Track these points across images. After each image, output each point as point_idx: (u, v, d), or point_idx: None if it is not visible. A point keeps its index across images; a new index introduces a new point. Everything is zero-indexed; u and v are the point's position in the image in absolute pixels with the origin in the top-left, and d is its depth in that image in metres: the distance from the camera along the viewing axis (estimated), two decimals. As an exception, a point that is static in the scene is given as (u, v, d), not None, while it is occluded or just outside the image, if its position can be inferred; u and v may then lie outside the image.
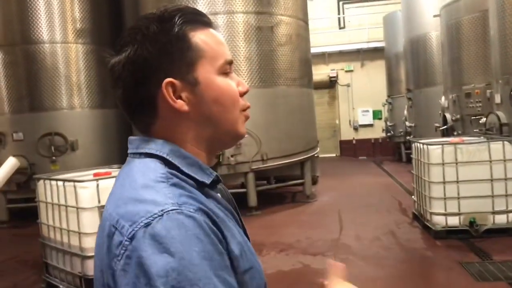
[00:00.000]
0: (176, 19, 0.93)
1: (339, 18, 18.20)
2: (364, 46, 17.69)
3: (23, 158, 8.25)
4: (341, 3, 18.16)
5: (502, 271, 4.63)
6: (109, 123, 9.30)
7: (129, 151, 1.00)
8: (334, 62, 18.22)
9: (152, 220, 0.79)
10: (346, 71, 18.19)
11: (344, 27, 18.19)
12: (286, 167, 8.57)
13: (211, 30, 0.98)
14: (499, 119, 6.86)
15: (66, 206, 4.47)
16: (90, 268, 4.27)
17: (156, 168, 0.90)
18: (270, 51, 8.30)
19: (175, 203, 0.81)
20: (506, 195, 5.84)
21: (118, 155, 8.96)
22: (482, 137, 6.45)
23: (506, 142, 5.91)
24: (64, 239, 4.57)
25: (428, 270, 5.02)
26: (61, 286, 4.69)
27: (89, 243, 4.26)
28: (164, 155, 0.92)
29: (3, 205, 8.69)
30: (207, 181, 0.93)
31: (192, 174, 0.91)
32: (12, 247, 6.97)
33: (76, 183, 4.32)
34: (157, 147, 0.93)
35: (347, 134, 18.27)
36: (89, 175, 4.74)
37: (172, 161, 0.91)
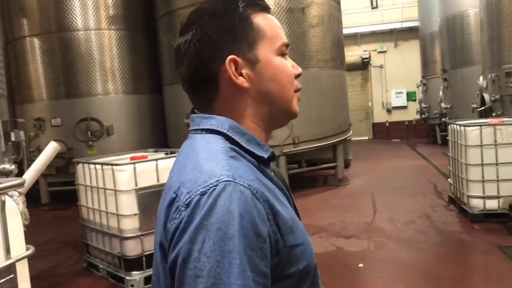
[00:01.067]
0: (240, 3, 1.00)
1: (371, -1, 17.78)
2: (398, 26, 17.23)
3: (62, 143, 8.51)
4: (374, -18, 17.72)
5: (545, 256, 4.50)
6: (143, 108, 9.46)
7: (190, 128, 1.05)
8: (366, 43, 17.86)
9: (208, 189, 0.84)
10: (379, 52, 17.80)
11: (376, 7, 17.74)
12: (318, 151, 8.53)
13: (268, 14, 1.05)
14: (541, 99, 6.58)
15: (105, 189, 4.60)
16: (129, 249, 4.40)
17: (216, 143, 0.95)
18: (302, 33, 8.20)
19: (231, 175, 0.86)
20: (550, 178, 5.64)
21: (152, 140, 9.13)
22: (523, 118, 6.22)
23: (549, 123, 5.68)
24: (103, 220, 4.72)
25: (466, 253, 4.92)
26: (101, 266, 4.86)
27: (127, 225, 4.38)
28: (225, 131, 0.97)
29: (44, 188, 9.04)
30: (265, 155, 0.98)
31: (251, 149, 0.97)
32: (53, 229, 7.26)
33: (114, 167, 4.43)
34: (218, 123, 0.98)
35: (380, 116, 17.96)
36: (126, 159, 4.85)
37: (232, 136, 0.97)
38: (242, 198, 0.84)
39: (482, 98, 9.28)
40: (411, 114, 17.14)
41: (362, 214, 6.72)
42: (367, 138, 18.30)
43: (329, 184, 9.25)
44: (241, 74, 0.98)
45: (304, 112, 8.02)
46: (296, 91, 1.06)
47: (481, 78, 9.65)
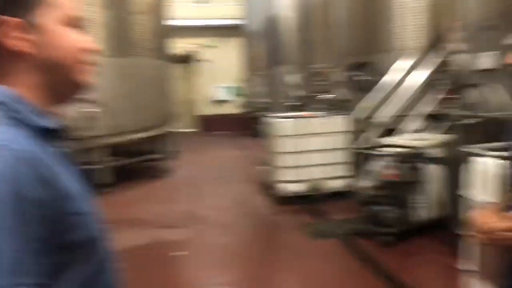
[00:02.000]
0: None
1: (200, -8, 18.07)
2: (225, 22, 17.85)
3: None
4: (201, -24, 18.03)
5: (336, 229, 5.19)
6: None
7: None
8: (194, 37, 18.08)
9: None
10: (206, 47, 18.23)
11: (205, 1, 18.11)
12: (142, 142, 8.32)
13: None
14: (340, 96, 7.55)
15: None
16: None
17: None
18: (124, 18, 7.87)
19: (4, 140, 0.82)
20: (343, 163, 6.51)
21: None
22: (326, 112, 7.05)
23: (345, 116, 6.56)
24: None
25: (273, 233, 5.39)
26: None
27: None
28: (2, 99, 0.90)
29: None
30: (48, 125, 0.93)
31: (32, 119, 0.91)
32: None
33: None
34: None
35: (206, 109, 18.44)
36: None
37: (11, 106, 0.89)
38: (13, 161, 0.80)
39: (295, 95, 10.27)
40: (235, 108, 18.02)
41: (186, 204, 6.81)
42: (194, 130, 18.62)
43: (155, 175, 9.11)
44: (18, 40, 0.90)
45: (127, 101, 7.72)
46: (85, 63, 1.01)
47: (294, 76, 10.66)
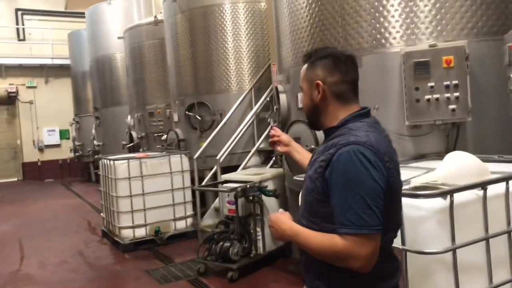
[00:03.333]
0: None
1: (18, 29, 16.58)
2: (49, 61, 16.66)
3: None
4: (19, 13, 16.60)
5: (182, 271, 5.12)
6: None
7: None
8: (13, 76, 16.43)
9: None
10: (28, 87, 16.68)
11: (24, 39, 16.67)
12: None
13: None
14: (177, 135, 7.63)
15: None
16: None
17: None
18: None
19: None
20: (185, 203, 6.53)
21: None
22: (164, 152, 7.02)
23: (183, 155, 6.62)
24: None
25: (117, 283, 5.05)
26: None
27: None
28: None
29: None
30: None
31: None
32: None
33: None
34: None
35: (31, 155, 16.67)
36: None
37: None
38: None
39: (131, 136, 10.01)
40: (65, 152, 16.70)
41: (7, 263, 5.97)
42: (16, 179, 16.64)
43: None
44: None
45: None
46: None
47: (129, 117, 10.41)
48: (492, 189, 2.32)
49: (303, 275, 1.77)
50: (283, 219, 1.67)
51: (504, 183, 2.37)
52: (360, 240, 1.44)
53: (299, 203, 1.79)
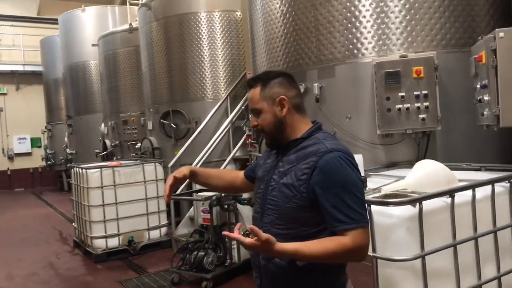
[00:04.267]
0: None
1: (-12, 35, 16.19)
2: (20, 68, 16.28)
3: None
4: (-10, 18, 16.24)
5: (156, 281, 5.05)
6: None
7: None
8: (-20, 82, 16.00)
9: None
10: (-2, 94, 16.27)
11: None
12: None
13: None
14: (151, 143, 7.56)
15: None
16: None
17: None
18: None
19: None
20: (159, 212, 6.46)
21: None
22: (138, 160, 6.94)
23: (157, 164, 6.55)
24: None
25: (89, 295, 4.95)
26: None
27: None
28: None
29: None
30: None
31: None
32: None
33: None
34: None
35: (0, 164, 16.22)
36: None
37: None
38: None
39: (104, 144, 9.87)
40: (37, 161, 16.29)
41: (-27, 276, 5.77)
42: (-15, 188, 16.14)
43: None
44: None
45: None
46: None
47: (102, 125, 10.27)
48: (460, 197, 2.38)
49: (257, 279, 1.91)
50: (269, 244, 1.56)
51: (470, 191, 2.44)
52: (362, 232, 1.59)
53: (259, 213, 1.81)
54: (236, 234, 1.59)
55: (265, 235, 1.54)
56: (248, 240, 1.56)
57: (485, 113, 3.19)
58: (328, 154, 1.63)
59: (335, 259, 1.62)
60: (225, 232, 1.73)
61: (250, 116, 1.86)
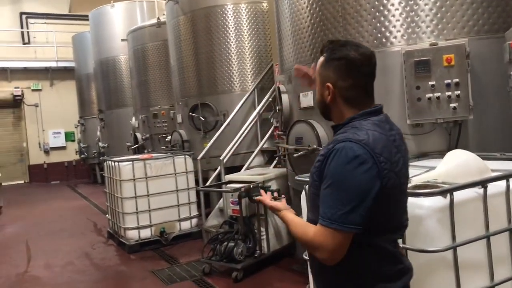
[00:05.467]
0: None
1: (22, 33, 16.68)
2: (53, 64, 16.76)
3: None
4: (24, 16, 16.71)
5: (187, 271, 5.16)
6: None
7: None
8: (18, 80, 16.54)
9: None
10: (33, 90, 16.78)
11: (29, 42, 16.78)
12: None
13: None
14: (181, 136, 7.66)
15: None
16: None
17: None
18: None
19: None
20: (189, 203, 6.56)
21: None
22: (168, 153, 7.05)
23: (187, 156, 6.65)
24: None
25: (123, 283, 5.10)
26: None
27: None
28: None
29: None
30: None
31: None
32: None
33: None
34: None
35: (37, 157, 16.79)
36: None
37: None
38: None
39: (135, 137, 10.06)
40: (71, 154, 16.80)
41: (14, 265, 6.03)
42: (23, 181, 16.75)
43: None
44: None
45: None
46: None
47: (133, 118, 10.47)
48: (493, 187, 2.33)
49: (314, 282, 1.82)
50: (275, 210, 1.86)
51: (504, 181, 2.38)
52: (328, 233, 1.49)
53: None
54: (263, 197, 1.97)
55: (270, 203, 1.91)
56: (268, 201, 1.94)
57: (519, 101, 3.10)
58: (340, 143, 1.53)
59: (302, 244, 1.67)
60: (257, 197, 1.96)
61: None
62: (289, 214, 1.75)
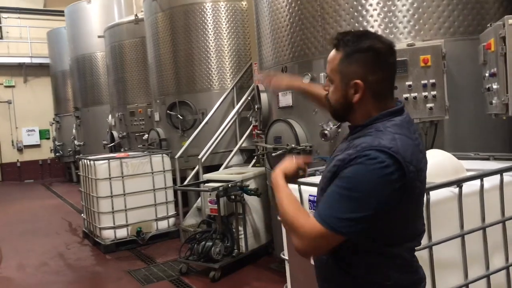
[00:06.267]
0: None
1: (-5, 27, 16.25)
2: (27, 60, 16.36)
3: None
4: (-3, 10, 16.28)
5: (164, 271, 5.10)
6: None
7: None
8: (-9, 75, 16.11)
9: None
10: (6, 86, 16.36)
11: (1, 37, 16.35)
12: None
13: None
14: (158, 134, 7.58)
15: None
16: None
17: None
18: None
19: None
20: (167, 202, 6.50)
21: None
22: (145, 152, 6.96)
23: (164, 155, 6.58)
24: None
25: (98, 284, 5.01)
26: None
27: None
28: None
29: None
30: None
31: None
32: None
33: None
34: None
35: (10, 156, 16.36)
36: None
37: None
38: None
39: (112, 135, 9.91)
40: (45, 152, 16.45)
41: (-16, 267, 5.86)
42: (-5, 180, 16.33)
43: None
44: None
45: None
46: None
47: (110, 116, 10.30)
48: (468, 187, 2.36)
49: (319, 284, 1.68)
50: (285, 164, 1.70)
51: (479, 181, 2.41)
52: (319, 231, 1.37)
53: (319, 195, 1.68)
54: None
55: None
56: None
57: (493, 101, 3.15)
58: (366, 151, 1.36)
59: (285, 225, 1.51)
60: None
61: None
62: (281, 186, 1.60)
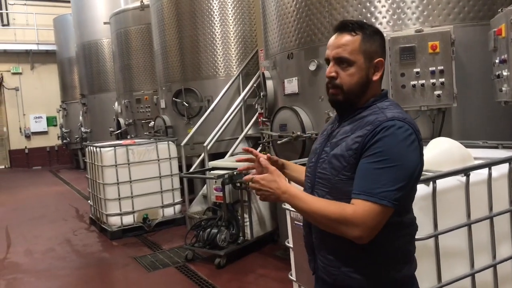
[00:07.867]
0: None
1: (1, 14, 16.23)
2: (34, 47, 16.37)
3: None
4: (3, -3, 16.26)
5: (170, 258, 5.13)
6: None
7: None
8: (-1, 62, 16.16)
9: None
10: (13, 73, 16.41)
11: (8, 24, 16.35)
12: None
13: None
14: (164, 122, 7.57)
15: None
16: None
17: None
18: None
19: None
20: (173, 189, 6.51)
21: None
22: (151, 139, 6.96)
23: (170, 142, 6.57)
24: None
25: (105, 270, 5.04)
26: None
27: None
28: None
29: None
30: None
31: None
32: None
33: None
34: None
35: (18, 142, 16.49)
36: None
37: None
38: None
39: (118, 122, 9.92)
40: (53, 139, 16.55)
41: (-7, 252, 5.93)
42: (3, 166, 16.47)
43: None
44: None
45: None
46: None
47: (116, 103, 10.31)
48: (475, 175, 2.33)
49: (311, 263, 1.68)
50: (274, 177, 1.54)
51: (486, 169, 2.38)
52: (373, 209, 1.39)
53: (309, 188, 1.67)
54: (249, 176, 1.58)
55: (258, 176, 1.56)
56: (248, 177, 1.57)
57: (503, 88, 3.09)
58: (388, 122, 1.45)
59: (328, 224, 1.44)
60: (246, 177, 1.59)
61: (329, 64, 1.59)
62: (302, 193, 1.54)
